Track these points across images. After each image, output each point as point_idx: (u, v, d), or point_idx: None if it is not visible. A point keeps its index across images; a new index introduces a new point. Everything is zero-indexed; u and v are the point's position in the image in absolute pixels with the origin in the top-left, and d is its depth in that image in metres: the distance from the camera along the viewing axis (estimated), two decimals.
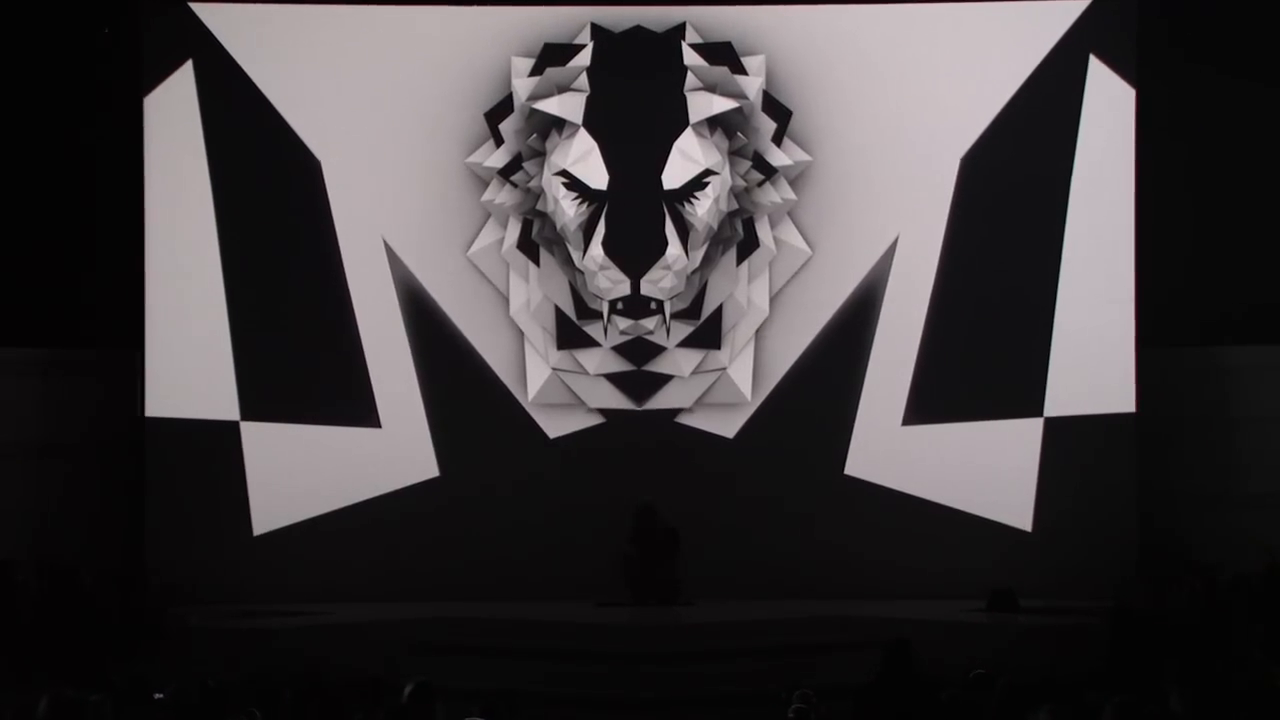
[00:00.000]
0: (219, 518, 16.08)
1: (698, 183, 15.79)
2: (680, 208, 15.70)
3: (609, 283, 15.77)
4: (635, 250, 15.78)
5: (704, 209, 15.74)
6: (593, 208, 15.77)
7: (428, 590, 15.72)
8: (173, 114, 16.07)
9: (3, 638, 13.54)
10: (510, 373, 16.30)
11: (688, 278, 15.86)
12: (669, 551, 15.35)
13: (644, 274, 15.72)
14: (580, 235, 15.77)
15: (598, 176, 15.80)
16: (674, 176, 15.81)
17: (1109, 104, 16.08)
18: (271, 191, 16.23)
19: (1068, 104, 16.13)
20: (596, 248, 15.67)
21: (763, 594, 15.55)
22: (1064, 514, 16.07)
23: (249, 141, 16.20)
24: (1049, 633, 13.95)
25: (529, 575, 15.79)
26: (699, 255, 15.90)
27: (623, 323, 15.89)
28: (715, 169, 15.79)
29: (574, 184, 15.82)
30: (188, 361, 16.20)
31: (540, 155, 15.99)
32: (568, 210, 15.80)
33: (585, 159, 15.81)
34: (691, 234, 15.74)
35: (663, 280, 15.78)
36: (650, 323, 15.85)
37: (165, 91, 16.09)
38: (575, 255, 15.83)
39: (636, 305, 15.82)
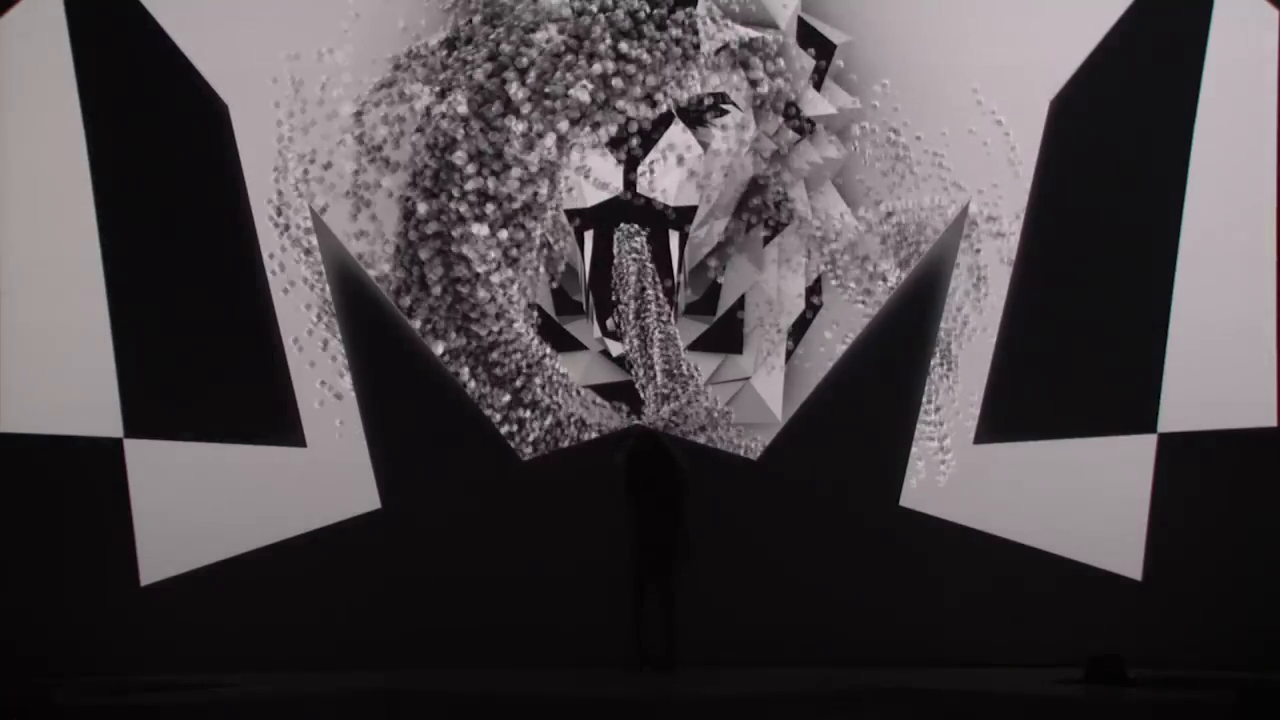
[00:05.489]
0: (95, 563, 15.67)
1: (713, 106, 15.38)
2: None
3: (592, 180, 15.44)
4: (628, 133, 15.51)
5: (723, 134, 15.32)
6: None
7: (366, 655, 15.40)
8: (35, 43, 15.80)
9: None
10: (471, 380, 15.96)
11: (702, 261, 15.56)
12: (675, 494, 14.93)
13: (642, 158, 15.39)
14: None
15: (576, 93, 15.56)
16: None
17: (1243, 29, 15.77)
18: (165, 144, 15.82)
19: (1189, 30, 15.75)
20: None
21: (796, 659, 15.31)
22: (1184, 557, 15.64)
23: (135, 79, 15.84)
24: (1165, 711, 13.34)
25: (494, 635, 15.46)
26: (716, 189, 15.41)
27: (616, 348, 15.66)
28: (736, 104, 15.45)
29: None
30: (54, 362, 15.82)
31: None
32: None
33: None
34: (709, 155, 15.35)
35: (668, 172, 15.27)
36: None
37: (25, 13, 15.83)
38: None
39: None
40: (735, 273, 15.74)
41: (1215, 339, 15.65)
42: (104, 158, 15.68)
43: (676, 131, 15.36)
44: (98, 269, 15.61)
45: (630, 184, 15.32)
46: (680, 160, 15.43)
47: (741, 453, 15.90)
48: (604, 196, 15.54)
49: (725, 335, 15.80)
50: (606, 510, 15.11)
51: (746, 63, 15.67)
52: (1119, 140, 15.73)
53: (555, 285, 15.81)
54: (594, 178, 15.53)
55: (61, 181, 15.63)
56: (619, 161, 15.47)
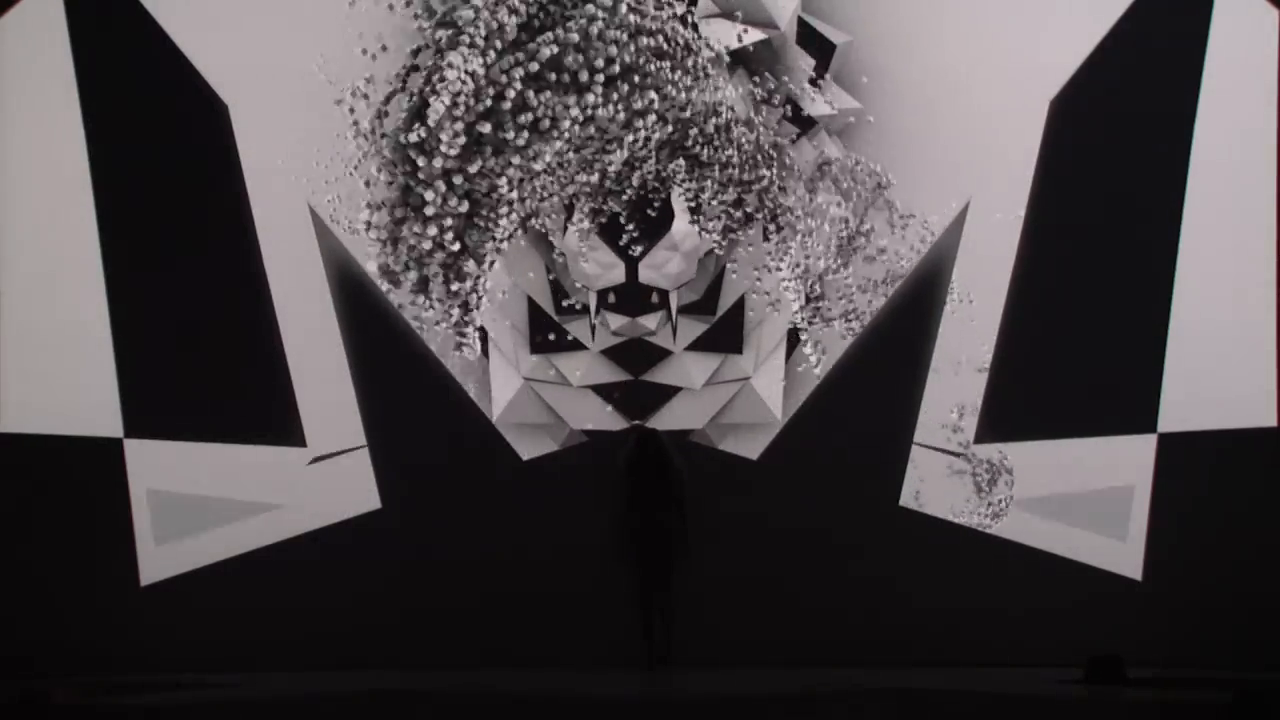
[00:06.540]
0: (95, 563, 15.56)
1: (719, 126, 15.15)
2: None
3: (597, 268, 15.43)
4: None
5: (729, 155, 15.21)
6: None
7: (365, 655, 15.36)
8: (35, 43, 15.69)
9: None
10: (471, 380, 15.88)
11: (700, 260, 15.54)
12: (674, 493, 14.96)
13: (643, 257, 15.34)
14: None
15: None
16: None
17: (1243, 29, 15.64)
18: (164, 144, 15.69)
19: (1189, 30, 15.64)
20: (578, 221, 15.38)
21: (795, 659, 15.21)
22: (1184, 557, 15.57)
23: (134, 78, 15.70)
24: (1165, 711, 13.14)
25: (494, 635, 15.38)
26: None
27: (615, 321, 15.60)
28: (741, 117, 15.40)
29: None
30: (54, 362, 15.75)
31: None
32: None
33: None
34: (712, 184, 15.25)
35: (668, 264, 15.42)
36: (651, 320, 15.60)
37: (25, 13, 15.74)
38: (554, 234, 15.50)
39: (632, 298, 15.44)
40: (735, 273, 15.57)
41: (1215, 339, 15.57)
42: (104, 157, 15.58)
43: (681, 228, 15.29)
44: (98, 269, 15.53)
45: (631, 269, 15.29)
46: (682, 252, 15.32)
47: (740, 451, 15.76)
48: (606, 283, 15.41)
49: (725, 335, 15.71)
50: (607, 509, 15.04)
51: (750, 64, 15.36)
52: (1119, 140, 15.60)
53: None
54: (595, 261, 15.34)
55: (61, 181, 15.56)
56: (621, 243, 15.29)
